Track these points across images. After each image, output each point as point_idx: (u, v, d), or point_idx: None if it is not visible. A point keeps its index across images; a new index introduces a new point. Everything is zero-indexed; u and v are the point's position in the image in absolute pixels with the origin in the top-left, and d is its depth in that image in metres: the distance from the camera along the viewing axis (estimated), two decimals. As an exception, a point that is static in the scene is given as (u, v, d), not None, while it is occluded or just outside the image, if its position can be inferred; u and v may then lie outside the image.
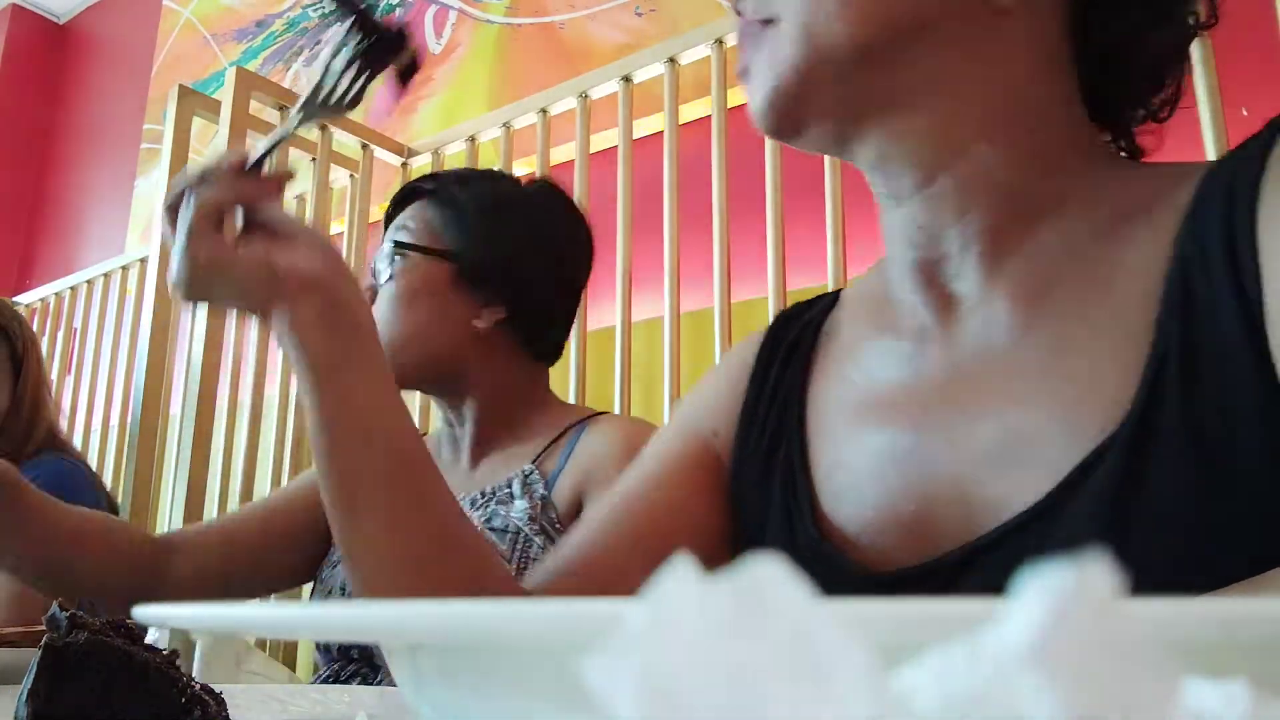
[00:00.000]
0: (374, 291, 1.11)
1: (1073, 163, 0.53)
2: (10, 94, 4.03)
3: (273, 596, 1.63)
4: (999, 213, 0.52)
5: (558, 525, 1.00)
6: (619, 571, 0.60)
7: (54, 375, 2.73)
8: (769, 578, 0.11)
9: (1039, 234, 0.52)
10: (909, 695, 0.11)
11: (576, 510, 1.00)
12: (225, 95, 1.77)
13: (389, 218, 1.16)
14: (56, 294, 2.81)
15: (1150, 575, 0.42)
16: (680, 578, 0.11)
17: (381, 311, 1.09)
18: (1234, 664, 0.12)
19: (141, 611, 0.25)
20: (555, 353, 1.19)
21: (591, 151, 1.69)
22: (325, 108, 0.64)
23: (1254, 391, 0.42)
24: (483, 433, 1.12)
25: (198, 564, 1.05)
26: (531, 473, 1.04)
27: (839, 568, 0.53)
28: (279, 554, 1.11)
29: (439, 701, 0.22)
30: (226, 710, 0.37)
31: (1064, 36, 0.53)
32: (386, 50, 0.62)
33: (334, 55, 0.62)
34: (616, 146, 1.64)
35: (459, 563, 0.60)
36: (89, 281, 2.68)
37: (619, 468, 0.98)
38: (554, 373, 1.63)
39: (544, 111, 1.75)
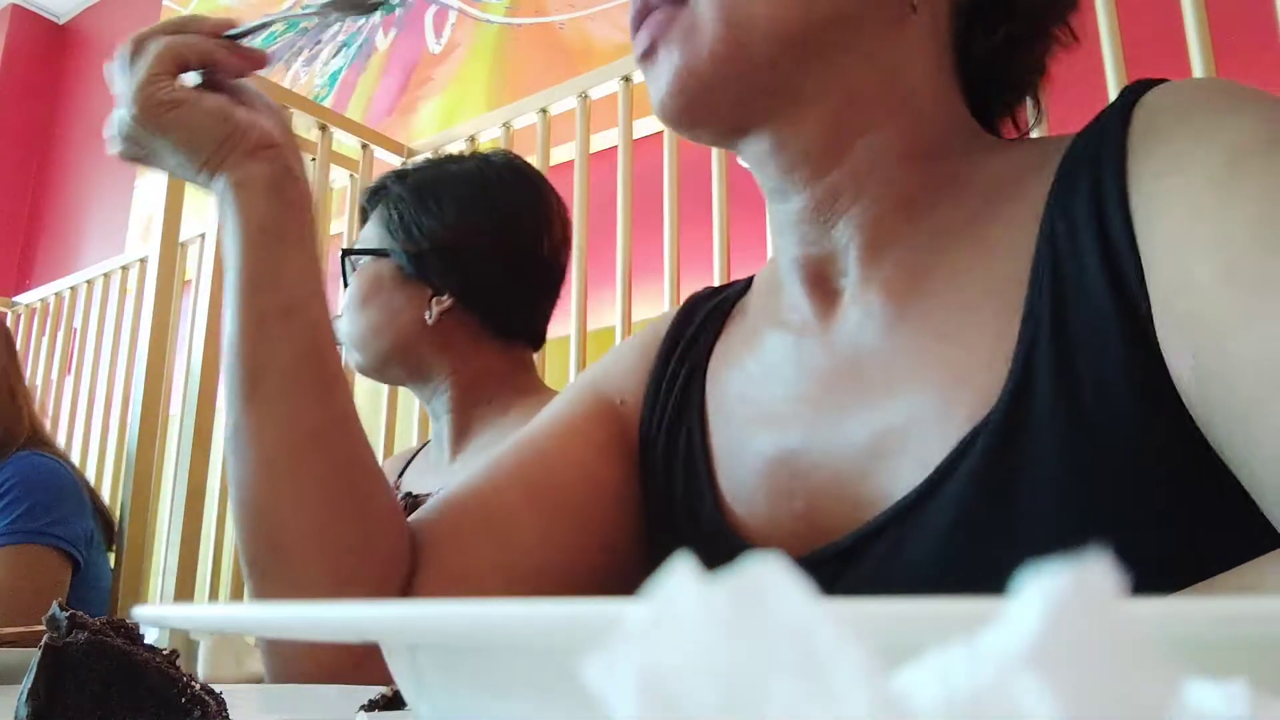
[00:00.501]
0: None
1: (953, 152, 0.53)
2: (10, 94, 4.03)
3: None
4: (882, 206, 0.52)
5: None
6: (506, 510, 0.60)
7: (54, 375, 2.73)
8: (769, 578, 0.11)
9: (918, 224, 0.52)
10: (909, 695, 0.11)
11: None
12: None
13: (363, 222, 1.20)
14: (56, 294, 2.81)
15: (1027, 554, 0.42)
16: (680, 578, 0.11)
17: (340, 318, 1.12)
18: (1234, 664, 0.12)
19: (141, 611, 0.25)
20: (530, 332, 1.16)
21: (591, 151, 1.69)
22: (344, 6, 0.62)
23: (1126, 365, 0.42)
24: (460, 422, 1.11)
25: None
26: None
27: (740, 551, 0.53)
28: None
29: (439, 701, 0.22)
30: (226, 710, 0.37)
31: (951, 40, 0.54)
32: None
33: None
34: (616, 146, 1.64)
35: (361, 500, 0.59)
36: (89, 281, 2.68)
37: None
38: (554, 373, 1.64)
39: (544, 111, 1.75)
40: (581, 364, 1.56)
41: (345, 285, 1.14)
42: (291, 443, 0.58)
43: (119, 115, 0.60)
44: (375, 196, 1.16)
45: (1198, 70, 1.18)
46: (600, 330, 1.63)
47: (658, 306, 1.54)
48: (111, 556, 1.78)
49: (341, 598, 0.56)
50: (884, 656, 0.11)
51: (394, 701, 0.47)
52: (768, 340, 0.58)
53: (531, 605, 0.15)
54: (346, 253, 1.14)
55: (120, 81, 0.61)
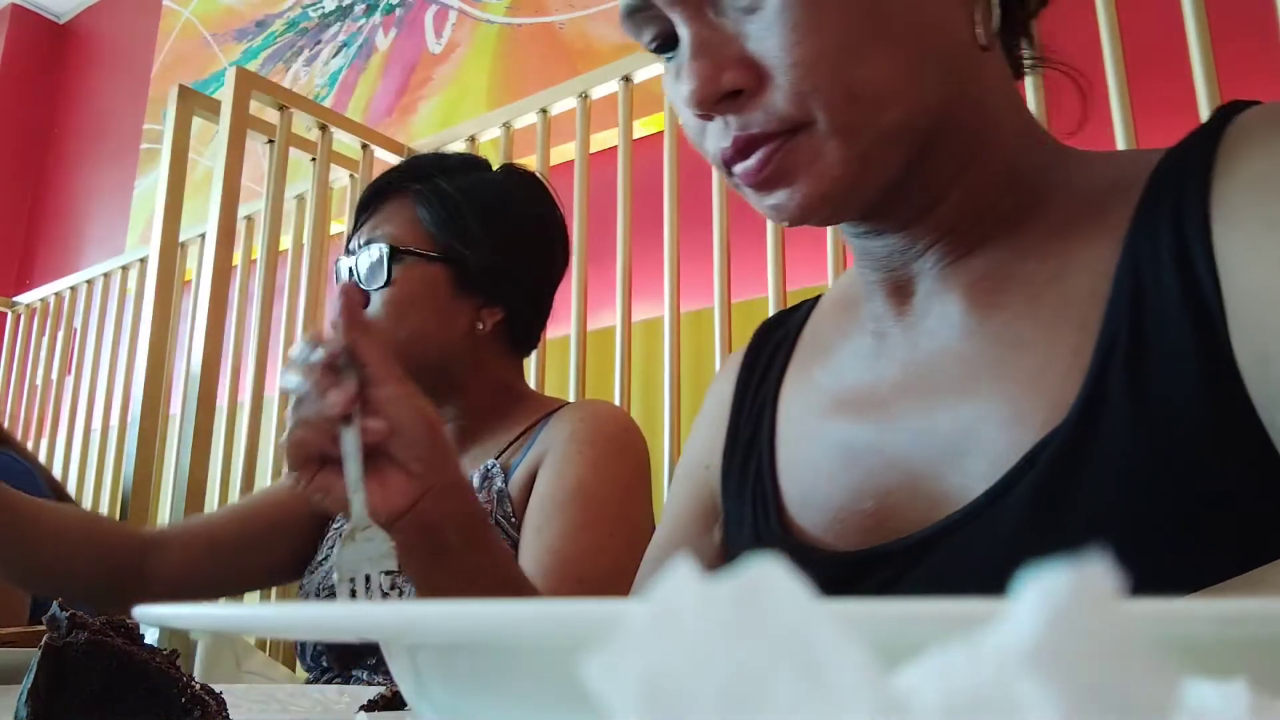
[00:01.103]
0: (361, 294, 1.05)
1: (1036, 169, 0.53)
2: (10, 94, 4.03)
3: (259, 596, 1.63)
4: (966, 226, 0.53)
5: (513, 519, 0.99)
6: None
7: (54, 375, 2.74)
8: (769, 578, 0.11)
9: (998, 236, 0.53)
10: (909, 695, 0.11)
11: (528, 497, 1.00)
12: (225, 95, 1.77)
13: (365, 211, 1.11)
14: (56, 294, 2.81)
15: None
16: (680, 578, 0.11)
17: (376, 317, 1.05)
18: (1234, 664, 0.12)
19: (141, 611, 0.25)
20: (532, 344, 1.18)
21: (591, 151, 1.69)
22: None
23: (1200, 381, 0.43)
24: (468, 429, 1.11)
25: (183, 561, 1.05)
26: (493, 466, 1.03)
27: (801, 553, 0.54)
28: (262, 553, 1.11)
29: (439, 701, 0.22)
30: (226, 710, 0.37)
31: (994, 45, 0.53)
32: None
33: None
34: (616, 146, 1.64)
35: None
36: (89, 281, 2.68)
37: (573, 444, 0.99)
38: (554, 373, 1.64)
39: (544, 111, 1.75)
40: (581, 364, 1.56)
41: (356, 276, 1.06)
42: None
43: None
44: (413, 183, 1.09)
45: (1198, 70, 1.18)
46: (600, 330, 1.63)
47: (658, 307, 1.54)
48: None
49: None
50: (884, 656, 0.11)
51: (394, 701, 0.47)
52: (840, 348, 0.60)
53: (531, 605, 0.15)
54: (399, 251, 1.05)
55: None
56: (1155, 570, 0.40)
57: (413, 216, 1.08)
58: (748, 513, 0.60)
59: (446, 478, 0.62)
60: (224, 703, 0.38)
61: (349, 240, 1.13)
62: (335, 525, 1.13)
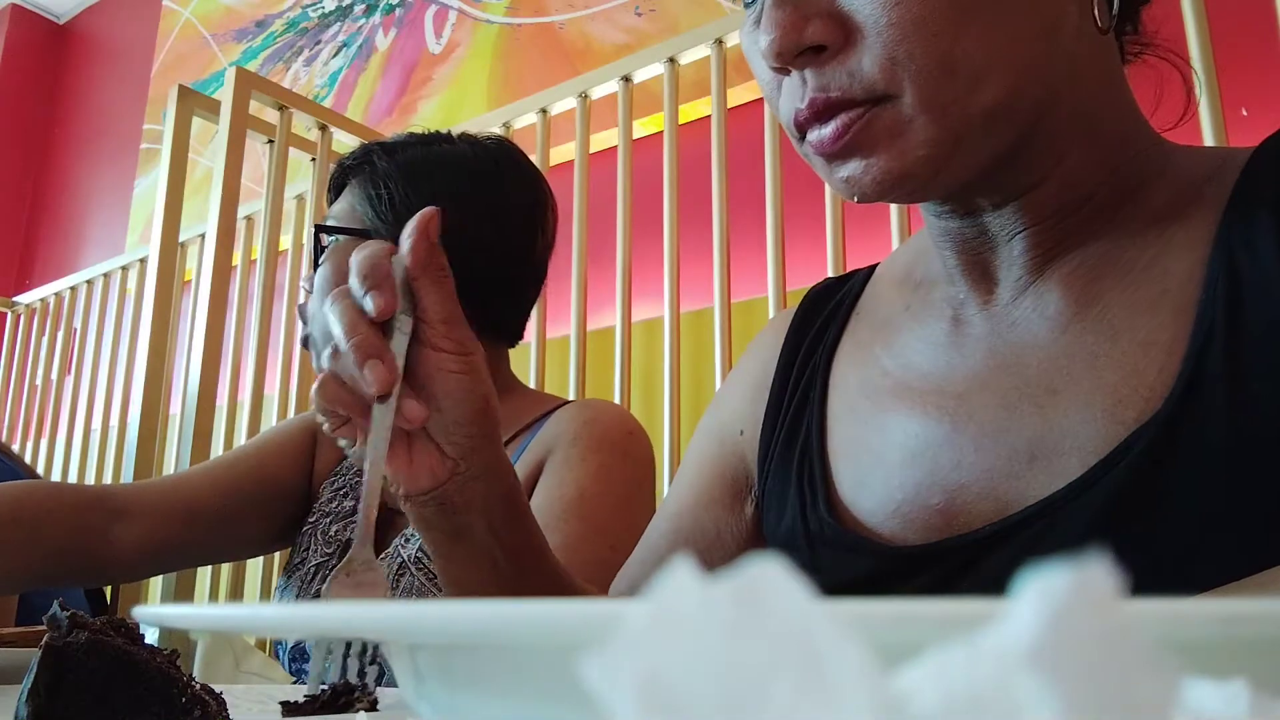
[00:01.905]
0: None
1: (1134, 159, 0.51)
2: (10, 94, 4.03)
3: (259, 596, 1.63)
4: (1061, 215, 0.50)
5: None
6: None
7: (54, 375, 2.73)
8: (769, 578, 0.11)
9: (1096, 226, 0.50)
10: (909, 695, 0.11)
11: (530, 489, 0.95)
12: (225, 95, 1.77)
13: (334, 196, 1.04)
14: (56, 294, 2.81)
15: (1172, 555, 0.42)
16: (680, 578, 0.11)
17: (314, 300, 1.00)
18: (1234, 664, 0.12)
19: (141, 611, 0.25)
20: (515, 333, 1.09)
21: (591, 151, 1.69)
22: None
23: None
24: None
25: (156, 529, 0.99)
26: None
27: (852, 546, 0.52)
28: (242, 526, 1.05)
29: (439, 701, 0.22)
30: (226, 710, 0.37)
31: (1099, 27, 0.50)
32: None
33: None
34: (616, 146, 1.64)
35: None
36: (89, 281, 2.68)
37: (576, 448, 0.94)
38: (554, 373, 1.64)
39: (544, 111, 1.75)
40: (581, 364, 1.56)
41: (316, 264, 0.99)
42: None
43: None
44: (357, 168, 1.02)
45: (1198, 70, 1.18)
46: (600, 330, 1.63)
47: (658, 307, 1.54)
48: None
49: None
50: (884, 656, 0.11)
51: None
52: (906, 330, 0.56)
53: (531, 605, 0.15)
54: (322, 229, 0.99)
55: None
56: (1238, 573, 0.38)
57: (351, 197, 1.01)
58: (793, 495, 0.56)
59: (483, 461, 0.54)
60: (224, 703, 0.38)
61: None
62: (320, 513, 1.08)
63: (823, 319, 0.62)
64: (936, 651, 0.11)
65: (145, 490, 1.03)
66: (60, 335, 2.76)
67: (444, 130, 1.10)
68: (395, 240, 0.54)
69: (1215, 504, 0.42)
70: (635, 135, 1.66)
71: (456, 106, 2.50)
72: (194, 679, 0.37)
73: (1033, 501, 0.46)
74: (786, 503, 0.57)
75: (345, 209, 1.01)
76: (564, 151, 1.86)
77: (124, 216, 3.53)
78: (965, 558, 0.47)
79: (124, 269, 2.56)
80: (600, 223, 1.65)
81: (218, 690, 0.38)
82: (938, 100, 0.44)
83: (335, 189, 1.05)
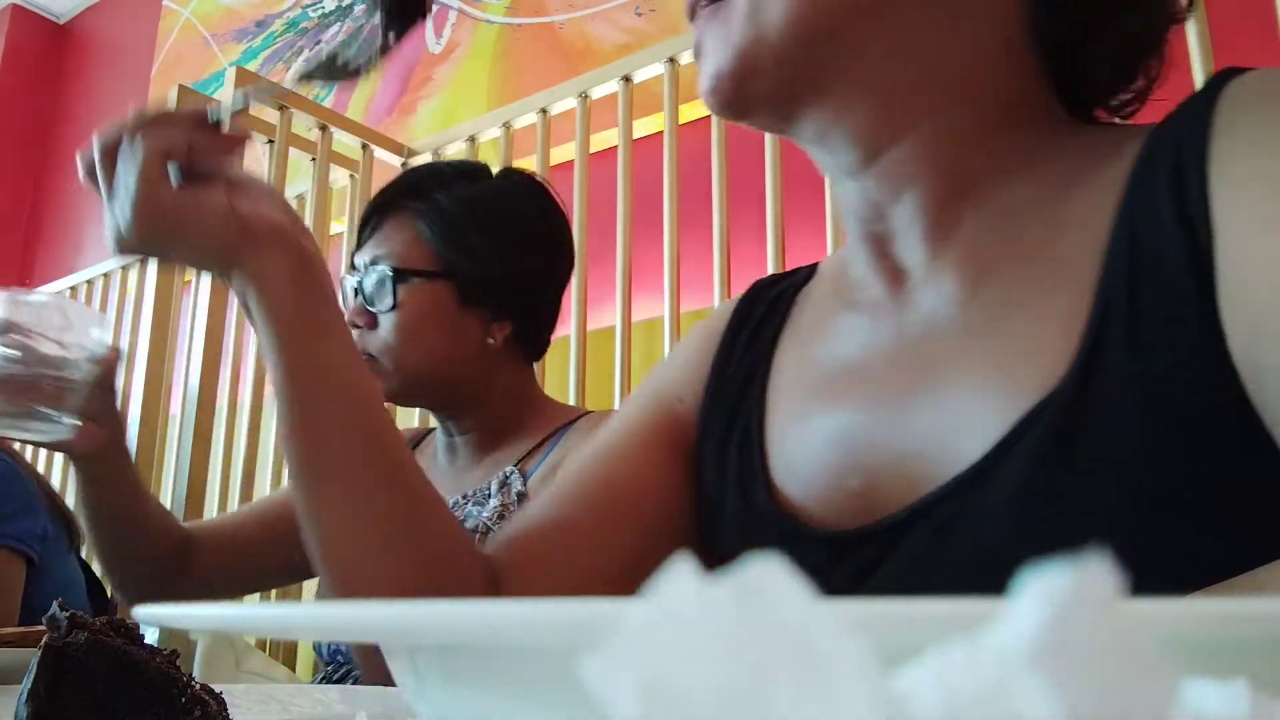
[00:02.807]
0: (369, 316, 1.05)
1: (1020, 133, 0.52)
2: (10, 94, 4.03)
3: (259, 596, 1.63)
4: (944, 186, 0.52)
5: None
6: (577, 534, 0.60)
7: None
8: (769, 577, 0.11)
9: (985, 204, 0.52)
10: (909, 695, 0.11)
11: None
12: (225, 95, 1.77)
13: (365, 228, 1.10)
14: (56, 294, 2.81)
15: (1087, 530, 0.42)
16: (680, 578, 0.11)
17: (387, 341, 1.05)
18: (1234, 664, 0.12)
19: (141, 611, 0.25)
20: (543, 349, 1.18)
21: (591, 151, 1.70)
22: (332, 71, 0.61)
23: (1201, 343, 0.41)
24: (484, 440, 1.11)
25: (213, 561, 1.09)
26: (512, 473, 1.04)
27: (790, 532, 0.53)
28: (281, 552, 1.11)
29: (439, 701, 0.22)
30: (226, 710, 0.37)
31: (1022, 21, 0.52)
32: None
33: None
34: (616, 146, 1.64)
35: (429, 542, 0.58)
36: (89, 281, 2.68)
37: None
38: (554, 373, 1.64)
39: (544, 111, 1.75)
40: (581, 364, 1.56)
41: (362, 297, 1.06)
42: (371, 533, 0.57)
43: (117, 219, 0.57)
44: (412, 200, 1.08)
45: (1198, 70, 1.18)
46: (600, 330, 1.63)
47: (658, 307, 1.54)
48: (83, 558, 1.75)
49: None
50: (884, 656, 0.11)
51: None
52: (835, 321, 0.59)
53: (531, 605, 0.15)
54: (401, 272, 1.05)
55: (106, 185, 0.58)
56: (1150, 556, 0.39)
57: (414, 235, 1.07)
58: (733, 479, 0.59)
59: (304, 224, 0.61)
60: (224, 703, 0.38)
61: (351, 257, 1.12)
62: None
63: (765, 308, 0.65)
64: (936, 651, 0.11)
65: (200, 526, 1.17)
66: (60, 335, 2.76)
67: (476, 162, 1.21)
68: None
69: (1120, 489, 0.42)
70: (635, 135, 1.66)
71: (456, 106, 2.50)
72: (194, 679, 0.37)
73: (945, 480, 0.47)
74: (726, 485, 0.59)
75: (405, 242, 1.07)
76: (564, 151, 1.86)
77: (124, 216, 3.53)
78: (885, 541, 0.49)
79: (124, 269, 2.56)
80: (600, 223, 1.65)
81: (218, 690, 0.38)
82: (754, 6, 0.50)
83: (376, 218, 1.10)
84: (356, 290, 1.07)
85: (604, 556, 0.60)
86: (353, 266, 1.10)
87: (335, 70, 0.61)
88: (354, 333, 1.07)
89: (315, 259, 0.60)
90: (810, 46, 0.50)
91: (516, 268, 1.08)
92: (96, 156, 0.58)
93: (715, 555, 0.60)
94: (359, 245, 1.11)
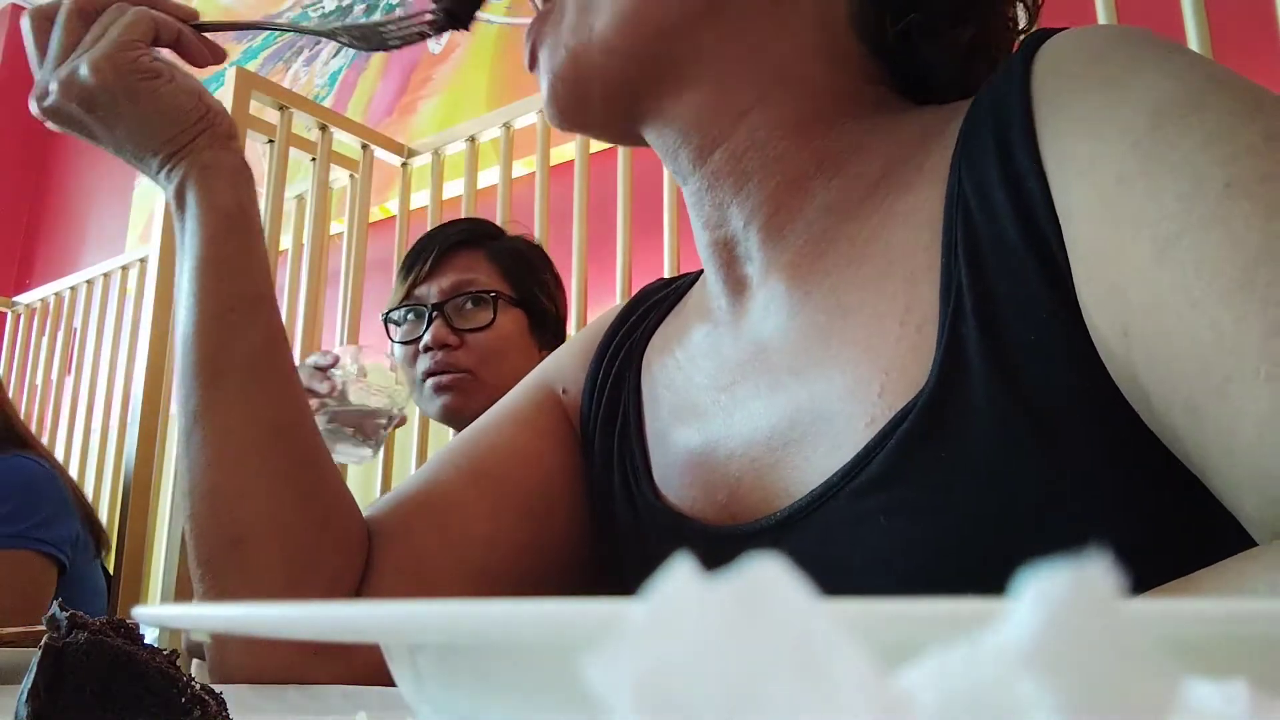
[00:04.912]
0: (457, 336, 1.22)
1: (850, 124, 0.51)
2: (10, 94, 4.03)
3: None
4: (772, 184, 0.51)
5: None
6: (455, 501, 0.60)
7: (54, 375, 2.73)
8: (769, 578, 0.11)
9: (814, 200, 0.50)
10: (909, 695, 0.11)
11: None
12: (225, 95, 1.77)
13: (424, 265, 1.28)
14: (56, 294, 2.81)
15: (962, 534, 0.41)
16: (680, 578, 0.11)
17: (483, 357, 1.22)
18: (1234, 664, 0.12)
19: (141, 611, 0.25)
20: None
21: (592, 151, 1.69)
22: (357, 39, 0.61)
23: (1057, 332, 0.39)
24: None
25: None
26: None
27: (680, 530, 0.53)
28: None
29: (439, 701, 0.22)
30: (226, 710, 0.37)
31: (850, 15, 0.51)
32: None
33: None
34: (616, 146, 1.64)
35: (317, 482, 0.58)
36: (89, 281, 2.68)
37: None
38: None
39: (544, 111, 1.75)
40: (581, 364, 1.56)
41: (445, 319, 1.24)
42: (256, 435, 0.57)
43: (72, 74, 0.58)
44: (481, 240, 1.31)
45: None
46: (600, 330, 1.63)
47: (658, 306, 1.55)
48: (105, 566, 1.76)
49: (297, 595, 0.56)
50: (884, 656, 0.11)
51: None
52: (694, 331, 0.58)
53: (531, 605, 0.15)
54: (500, 297, 1.28)
55: (65, 39, 0.59)
56: (1046, 535, 0.37)
57: (491, 267, 1.27)
58: (617, 479, 0.58)
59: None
60: (224, 703, 0.38)
61: (409, 291, 1.29)
62: None
63: (644, 310, 0.65)
64: (936, 651, 0.11)
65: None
66: (60, 335, 2.77)
67: (494, 223, 1.49)
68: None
69: (988, 481, 0.40)
70: (635, 135, 1.66)
71: (456, 106, 2.50)
72: (194, 679, 0.37)
73: (801, 491, 0.46)
74: (612, 485, 0.59)
75: (488, 271, 1.31)
76: (564, 151, 1.86)
77: (124, 216, 3.53)
78: (767, 540, 0.47)
79: (124, 269, 2.56)
80: (600, 222, 1.65)
81: (218, 690, 0.38)
82: (578, 8, 0.50)
83: (438, 254, 1.29)
84: (434, 314, 1.23)
85: (477, 520, 0.59)
86: (410, 298, 1.28)
87: (368, 34, 0.62)
88: (441, 353, 1.24)
89: (249, 171, 0.63)
90: (643, 41, 0.50)
91: (557, 306, 1.32)
92: (70, 12, 0.60)
93: (610, 536, 0.60)
94: (419, 281, 1.26)
